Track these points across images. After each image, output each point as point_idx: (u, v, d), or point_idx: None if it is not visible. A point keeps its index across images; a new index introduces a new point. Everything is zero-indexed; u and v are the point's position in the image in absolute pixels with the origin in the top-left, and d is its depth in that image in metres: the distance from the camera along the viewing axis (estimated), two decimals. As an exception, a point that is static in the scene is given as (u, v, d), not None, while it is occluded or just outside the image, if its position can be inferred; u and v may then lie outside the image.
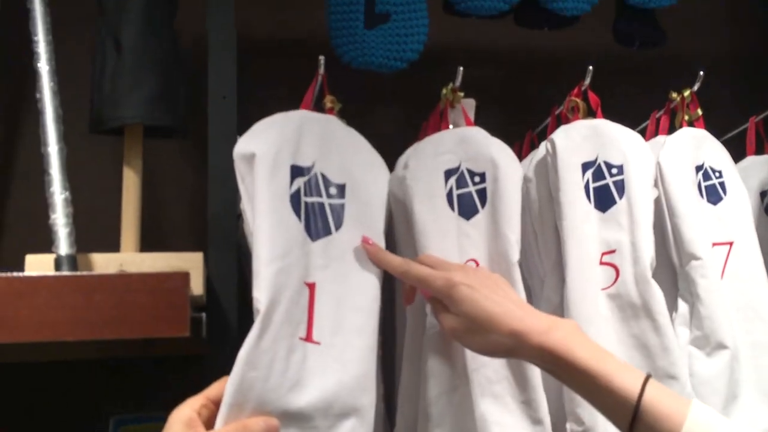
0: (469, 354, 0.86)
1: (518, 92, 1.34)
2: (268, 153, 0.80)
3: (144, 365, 1.06)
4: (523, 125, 1.17)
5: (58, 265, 0.76)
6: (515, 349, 0.75)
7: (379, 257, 0.84)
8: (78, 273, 0.76)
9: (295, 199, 0.81)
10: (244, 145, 0.81)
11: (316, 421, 0.75)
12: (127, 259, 0.83)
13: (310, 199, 0.82)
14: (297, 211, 0.80)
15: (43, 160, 0.80)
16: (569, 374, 0.73)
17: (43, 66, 0.84)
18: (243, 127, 0.92)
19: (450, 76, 1.00)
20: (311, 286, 0.79)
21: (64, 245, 0.77)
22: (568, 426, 0.88)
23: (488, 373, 0.87)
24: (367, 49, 0.97)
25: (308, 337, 0.78)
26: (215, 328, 0.83)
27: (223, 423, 0.69)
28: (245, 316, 0.86)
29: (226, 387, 0.71)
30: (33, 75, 0.87)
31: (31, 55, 0.88)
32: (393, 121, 1.06)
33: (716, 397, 0.93)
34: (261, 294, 0.75)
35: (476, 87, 1.01)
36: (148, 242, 0.92)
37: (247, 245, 0.89)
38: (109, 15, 0.89)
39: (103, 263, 0.82)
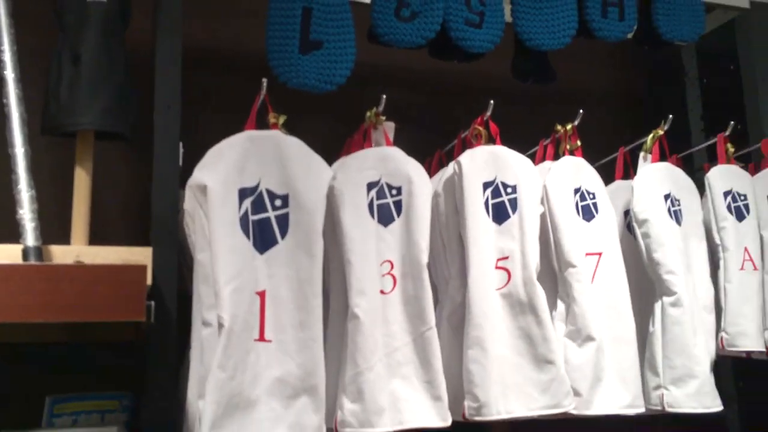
0: (383, 340, 1.02)
1: (430, 114, 1.50)
2: (217, 183, 0.96)
3: (82, 350, 1.13)
4: (433, 145, 1.33)
5: (25, 255, 0.83)
6: None
7: None
8: (47, 263, 0.85)
9: (243, 221, 0.97)
10: (197, 176, 0.97)
11: (273, 404, 0.93)
12: (83, 251, 0.91)
13: (256, 217, 0.98)
14: (246, 232, 0.97)
15: (10, 160, 0.87)
16: None
17: (9, 74, 0.90)
18: (186, 134, 1.01)
19: (373, 97, 1.13)
20: (262, 294, 0.96)
21: (30, 237, 0.84)
22: (466, 402, 1.04)
23: (398, 356, 1.02)
24: (302, 72, 1.08)
25: (261, 337, 0.94)
26: (159, 314, 0.92)
27: (211, 415, 0.87)
28: (181, 305, 0.96)
29: (207, 387, 0.89)
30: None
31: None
32: (322, 134, 1.17)
33: (584, 381, 1.12)
34: (223, 312, 0.92)
35: (394, 109, 1.15)
36: (93, 236, 0.99)
37: (188, 244, 1.00)
38: (69, 29, 0.97)
39: (61, 254, 0.89)
